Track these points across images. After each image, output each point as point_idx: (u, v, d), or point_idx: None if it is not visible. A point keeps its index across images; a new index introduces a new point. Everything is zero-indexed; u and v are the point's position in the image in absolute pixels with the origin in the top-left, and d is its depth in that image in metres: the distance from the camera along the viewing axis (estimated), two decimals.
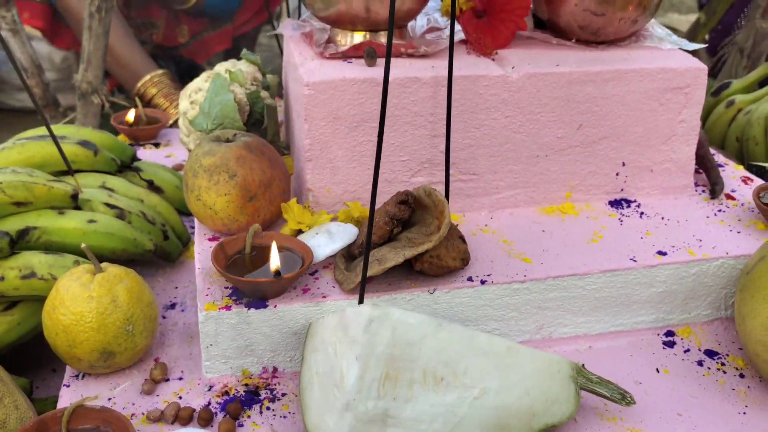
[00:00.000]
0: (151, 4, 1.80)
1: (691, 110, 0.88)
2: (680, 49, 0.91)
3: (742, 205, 0.90)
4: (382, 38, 0.84)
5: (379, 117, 0.68)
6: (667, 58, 0.87)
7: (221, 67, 0.93)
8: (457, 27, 0.89)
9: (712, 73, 1.89)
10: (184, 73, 1.98)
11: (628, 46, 0.91)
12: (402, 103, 0.80)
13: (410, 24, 0.90)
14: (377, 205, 0.74)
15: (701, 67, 0.86)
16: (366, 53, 0.81)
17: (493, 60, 0.86)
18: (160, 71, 1.59)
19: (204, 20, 1.98)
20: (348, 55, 0.83)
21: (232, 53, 2.19)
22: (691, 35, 1.66)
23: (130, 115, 1.19)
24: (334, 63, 0.82)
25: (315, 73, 0.79)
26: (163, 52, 2.02)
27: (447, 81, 0.77)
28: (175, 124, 1.38)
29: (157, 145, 1.14)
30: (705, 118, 1.25)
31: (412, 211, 0.75)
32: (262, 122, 0.90)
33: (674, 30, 2.45)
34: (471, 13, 0.90)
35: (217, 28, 2.05)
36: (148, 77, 1.55)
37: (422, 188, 0.75)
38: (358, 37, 0.84)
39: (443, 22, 0.92)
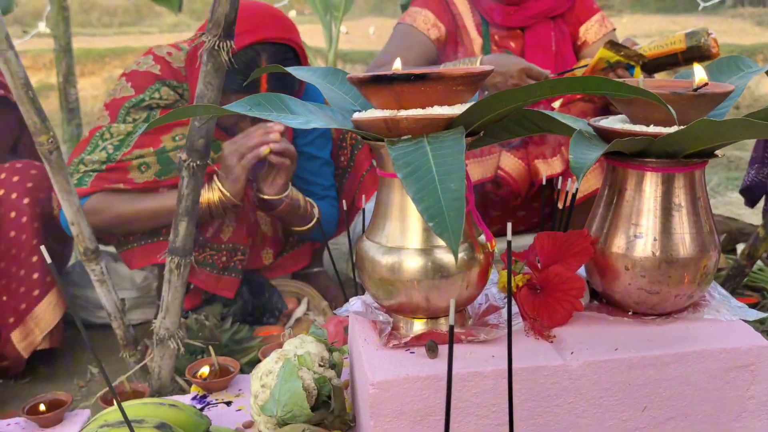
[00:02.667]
0: (240, 230, 1.89)
1: (759, 386, 0.86)
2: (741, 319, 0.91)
3: None
4: (443, 326, 0.88)
5: (444, 410, 0.70)
6: (727, 333, 0.88)
7: (291, 345, 0.98)
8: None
9: None
10: (255, 288, 2.07)
11: (685, 318, 0.92)
12: (464, 396, 0.82)
13: None
14: None
15: (764, 344, 0.86)
16: (427, 347, 0.85)
17: (551, 343, 0.88)
18: None
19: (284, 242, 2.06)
20: (410, 344, 0.87)
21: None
22: (752, 248, 1.66)
23: (205, 369, 1.25)
24: (397, 354, 0.86)
25: (379, 371, 0.82)
26: (247, 274, 2.09)
27: (507, 374, 0.79)
28: (248, 369, 1.42)
29: (228, 403, 1.19)
30: None
31: None
32: (330, 403, 0.93)
33: (735, 218, 2.43)
34: (527, 290, 0.94)
35: (298, 246, 2.11)
36: None
37: None
38: (419, 324, 0.88)
39: (500, 298, 0.96)
